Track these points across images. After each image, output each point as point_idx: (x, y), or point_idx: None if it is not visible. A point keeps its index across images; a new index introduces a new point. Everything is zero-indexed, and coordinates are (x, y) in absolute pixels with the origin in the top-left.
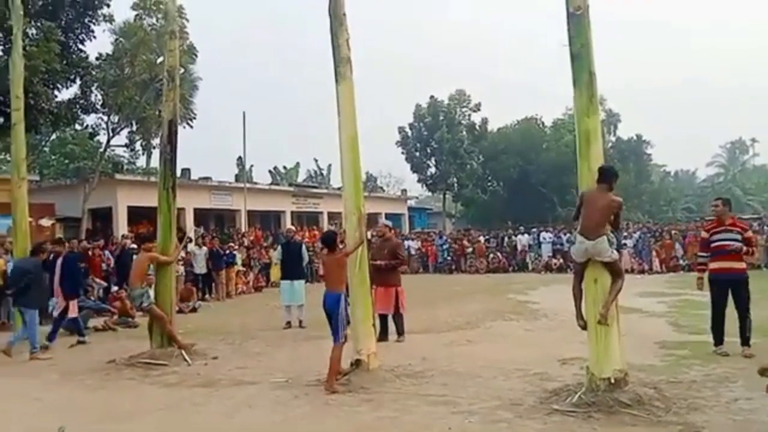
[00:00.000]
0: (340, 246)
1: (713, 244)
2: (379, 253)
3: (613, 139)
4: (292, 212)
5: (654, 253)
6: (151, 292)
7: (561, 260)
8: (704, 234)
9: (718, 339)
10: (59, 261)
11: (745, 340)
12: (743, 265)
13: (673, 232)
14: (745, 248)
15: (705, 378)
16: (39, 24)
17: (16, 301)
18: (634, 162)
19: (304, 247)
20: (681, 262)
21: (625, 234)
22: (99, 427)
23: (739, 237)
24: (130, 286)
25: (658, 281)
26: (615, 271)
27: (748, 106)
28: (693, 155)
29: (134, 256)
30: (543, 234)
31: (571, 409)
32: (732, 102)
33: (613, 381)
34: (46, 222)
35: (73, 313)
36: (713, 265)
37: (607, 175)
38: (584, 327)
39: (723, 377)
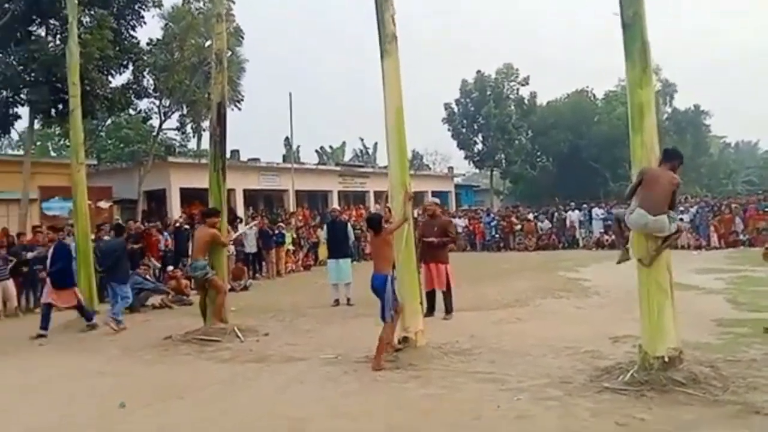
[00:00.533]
0: (386, 226)
1: None
2: (430, 230)
3: (669, 110)
4: (338, 192)
5: (712, 228)
6: None
7: (613, 236)
8: None
9: None
10: (50, 250)
11: None
12: None
13: (733, 205)
14: None
15: (766, 357)
16: (92, 12)
17: (107, 278)
18: (691, 134)
19: (349, 226)
20: (741, 237)
21: (682, 209)
22: (158, 401)
23: None
24: (193, 258)
25: (716, 257)
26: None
27: None
28: (755, 125)
29: (189, 236)
30: (594, 210)
31: (623, 388)
32: None
33: (667, 359)
34: (104, 204)
35: (71, 302)
36: None
37: (672, 156)
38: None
39: None
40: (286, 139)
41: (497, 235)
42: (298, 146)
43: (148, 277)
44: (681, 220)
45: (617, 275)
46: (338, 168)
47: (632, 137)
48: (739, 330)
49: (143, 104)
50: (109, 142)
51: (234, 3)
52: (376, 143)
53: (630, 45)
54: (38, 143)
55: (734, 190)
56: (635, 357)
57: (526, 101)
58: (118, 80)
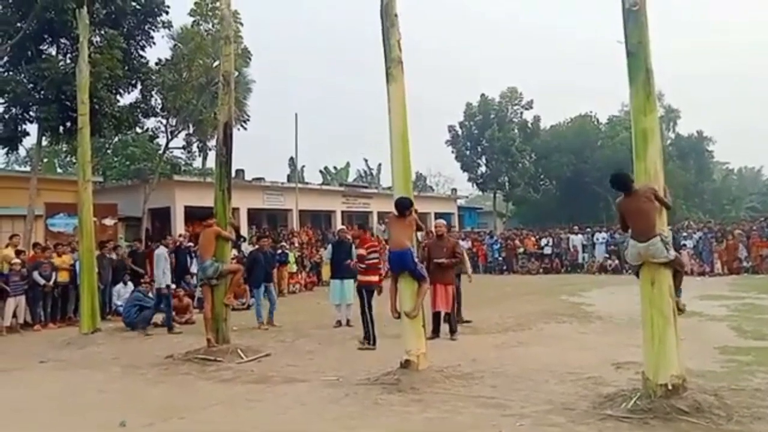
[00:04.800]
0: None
1: None
2: (439, 251)
3: (673, 136)
4: (342, 212)
5: (716, 254)
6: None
7: (616, 261)
8: None
9: None
10: None
11: None
12: None
13: (736, 232)
14: None
15: None
16: (103, 32)
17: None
18: (694, 160)
19: (353, 246)
20: (745, 263)
21: (685, 234)
22: (159, 421)
23: None
24: (201, 260)
25: (719, 283)
26: (676, 266)
27: None
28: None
29: (188, 255)
30: (597, 234)
31: (625, 415)
32: None
33: (670, 387)
34: (109, 221)
35: None
36: None
37: (618, 185)
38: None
39: None
40: (291, 159)
41: (500, 258)
42: (303, 166)
43: (150, 294)
44: (684, 246)
45: (620, 301)
46: (342, 188)
47: (636, 164)
48: (743, 358)
49: (150, 123)
50: (116, 159)
51: (242, 25)
52: (380, 164)
53: (634, 72)
54: (45, 159)
55: (737, 216)
56: (638, 384)
57: (529, 125)
58: (127, 99)
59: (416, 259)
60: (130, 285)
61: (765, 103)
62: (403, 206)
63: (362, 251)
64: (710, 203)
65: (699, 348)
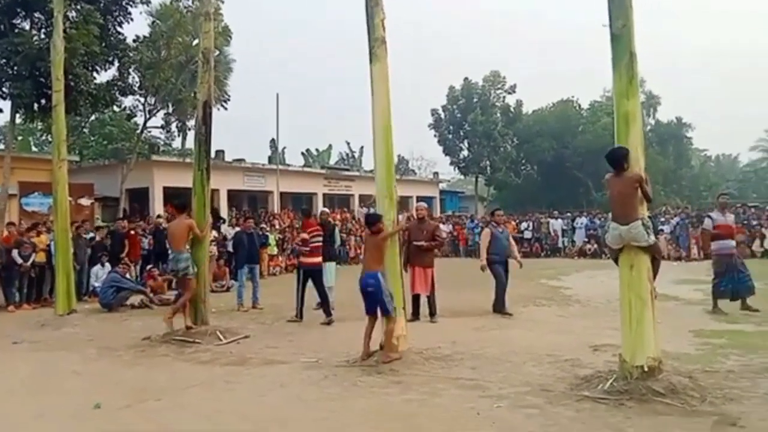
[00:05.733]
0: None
1: None
2: (419, 233)
3: (653, 122)
4: (324, 194)
5: (693, 239)
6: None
7: (595, 245)
8: None
9: None
10: None
11: None
12: None
13: None
14: None
15: (743, 368)
16: (79, 7)
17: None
18: (673, 146)
19: (336, 229)
20: None
21: (663, 219)
22: (135, 402)
23: None
24: (175, 251)
25: (695, 268)
26: (655, 253)
27: None
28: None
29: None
30: (577, 219)
31: (602, 397)
32: None
33: (646, 369)
34: (85, 201)
35: None
36: None
37: (612, 161)
38: None
39: (762, 368)
40: (272, 140)
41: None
42: (284, 148)
43: (127, 276)
44: (662, 231)
45: (598, 284)
46: (324, 171)
47: None
48: (717, 341)
49: (128, 101)
50: (92, 138)
51: (223, 2)
52: (362, 147)
53: (618, 56)
54: (20, 138)
55: (714, 202)
56: (615, 366)
57: (512, 109)
58: (103, 76)
59: (385, 291)
60: (108, 266)
61: (744, 87)
62: (371, 222)
63: (305, 235)
64: (688, 189)
65: (675, 331)
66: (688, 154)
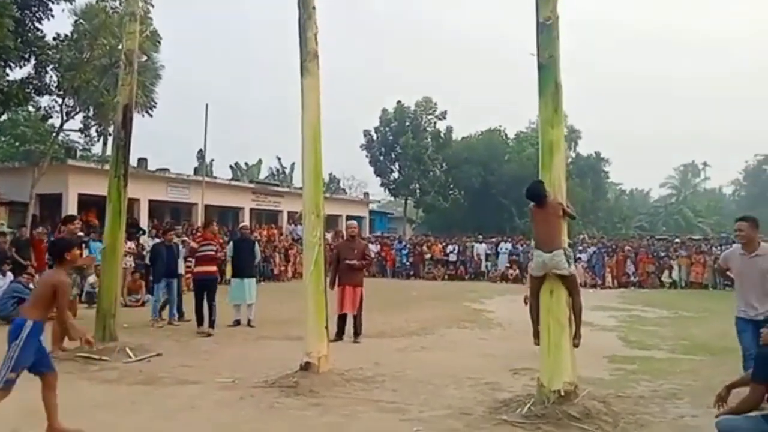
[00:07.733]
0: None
1: None
2: (350, 252)
3: (573, 155)
4: (251, 209)
5: (607, 268)
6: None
7: (517, 270)
8: None
9: None
10: None
11: None
12: None
13: (626, 248)
14: None
15: (652, 394)
16: None
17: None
18: (592, 178)
19: (257, 245)
20: (632, 278)
21: (580, 248)
22: (25, 426)
23: None
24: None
25: (609, 296)
26: (572, 287)
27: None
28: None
29: (83, 244)
30: (502, 244)
31: (520, 421)
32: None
33: (563, 393)
34: None
35: None
36: None
37: (532, 197)
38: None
39: (670, 393)
40: (200, 151)
41: (408, 263)
42: (212, 160)
43: (31, 286)
44: (579, 259)
45: (520, 308)
46: (252, 185)
47: (542, 174)
48: (629, 367)
49: (44, 101)
50: (3, 139)
51: (152, 6)
52: (293, 163)
53: (544, 85)
54: None
55: (627, 234)
56: (533, 390)
57: (442, 135)
58: (18, 73)
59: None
60: (10, 275)
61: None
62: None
63: (194, 244)
64: (604, 221)
65: (589, 356)
66: (605, 187)
